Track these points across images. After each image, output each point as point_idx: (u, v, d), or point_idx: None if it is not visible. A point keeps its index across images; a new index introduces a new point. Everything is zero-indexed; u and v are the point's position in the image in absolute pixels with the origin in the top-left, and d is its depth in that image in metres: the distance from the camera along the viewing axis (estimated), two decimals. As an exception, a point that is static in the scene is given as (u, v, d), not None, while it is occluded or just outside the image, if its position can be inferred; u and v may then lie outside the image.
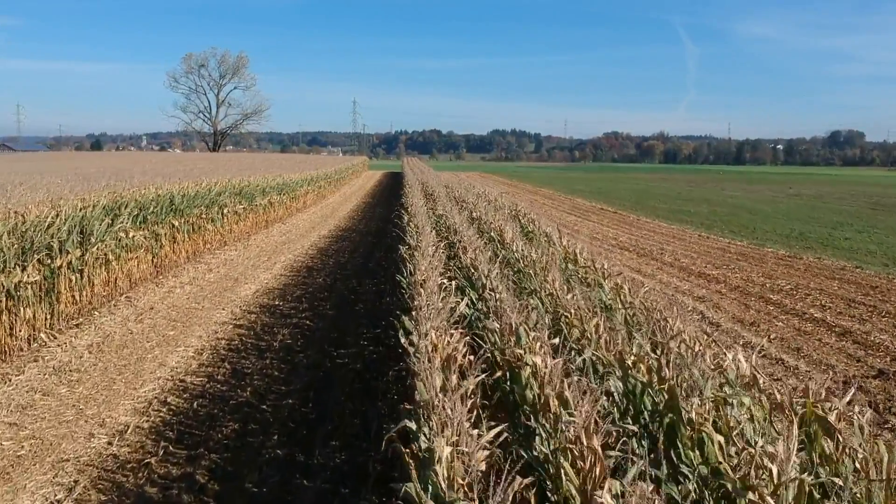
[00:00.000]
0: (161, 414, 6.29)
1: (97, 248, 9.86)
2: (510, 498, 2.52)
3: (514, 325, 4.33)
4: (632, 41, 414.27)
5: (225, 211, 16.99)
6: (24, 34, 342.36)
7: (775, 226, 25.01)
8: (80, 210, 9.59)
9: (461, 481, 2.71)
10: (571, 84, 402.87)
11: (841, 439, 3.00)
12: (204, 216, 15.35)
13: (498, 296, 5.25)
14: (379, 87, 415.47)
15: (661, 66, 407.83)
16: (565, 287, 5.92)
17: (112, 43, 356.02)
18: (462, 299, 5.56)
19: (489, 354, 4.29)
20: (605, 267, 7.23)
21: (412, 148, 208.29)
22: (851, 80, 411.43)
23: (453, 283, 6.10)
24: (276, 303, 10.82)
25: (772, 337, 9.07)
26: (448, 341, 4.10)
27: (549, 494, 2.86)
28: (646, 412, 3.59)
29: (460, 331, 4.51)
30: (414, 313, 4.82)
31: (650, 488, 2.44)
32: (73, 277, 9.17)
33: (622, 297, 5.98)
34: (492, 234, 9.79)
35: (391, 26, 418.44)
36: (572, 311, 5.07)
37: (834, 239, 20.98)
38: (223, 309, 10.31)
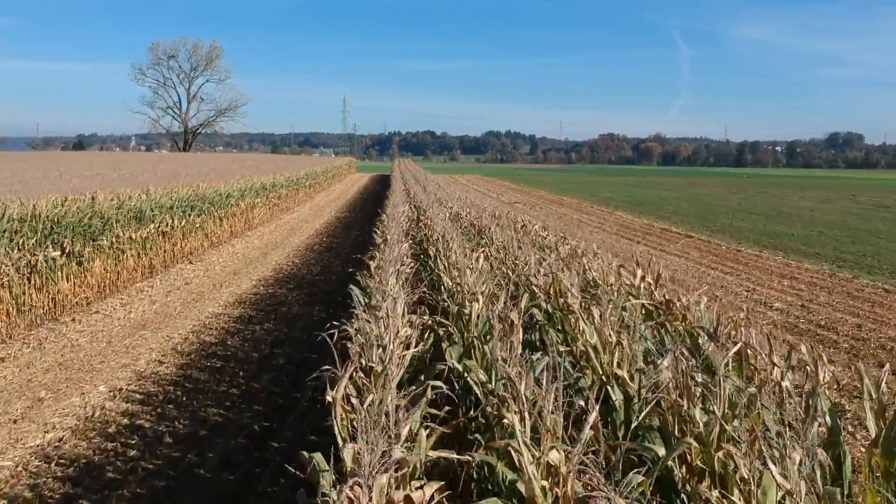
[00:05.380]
0: None
1: None
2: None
3: None
4: (626, 43, 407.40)
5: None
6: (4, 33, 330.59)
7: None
8: None
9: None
10: (566, 86, 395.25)
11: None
12: None
13: None
14: (372, 88, 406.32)
15: (656, 68, 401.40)
16: None
17: (100, 43, 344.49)
18: None
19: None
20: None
21: (406, 149, 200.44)
22: (845, 83, 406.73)
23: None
24: None
25: None
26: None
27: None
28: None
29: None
30: None
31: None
32: None
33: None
34: None
35: (385, 27, 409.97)
36: None
37: None
38: None
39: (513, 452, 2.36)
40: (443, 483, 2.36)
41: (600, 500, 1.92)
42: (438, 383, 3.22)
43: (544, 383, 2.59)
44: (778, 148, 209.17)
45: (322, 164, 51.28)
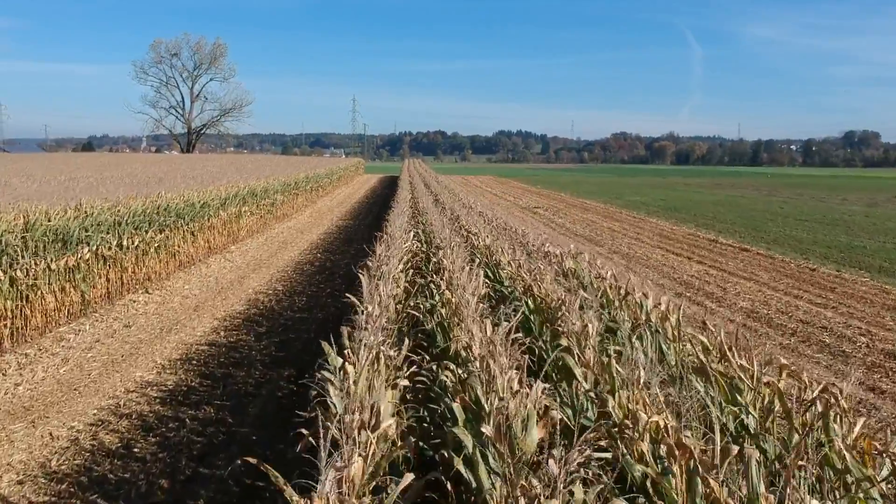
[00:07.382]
0: None
1: None
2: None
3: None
4: (637, 43, 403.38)
5: None
6: (6, 34, 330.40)
7: None
8: None
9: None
10: (578, 85, 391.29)
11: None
12: None
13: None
14: (382, 88, 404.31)
15: (668, 67, 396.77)
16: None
17: (108, 44, 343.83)
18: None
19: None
20: None
21: (416, 149, 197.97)
22: (859, 81, 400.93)
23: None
24: None
25: None
26: None
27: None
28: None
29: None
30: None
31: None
32: None
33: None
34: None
35: (394, 28, 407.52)
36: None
37: None
38: None
39: None
40: None
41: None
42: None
43: None
44: (793, 146, 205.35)
45: (327, 165, 48.39)
